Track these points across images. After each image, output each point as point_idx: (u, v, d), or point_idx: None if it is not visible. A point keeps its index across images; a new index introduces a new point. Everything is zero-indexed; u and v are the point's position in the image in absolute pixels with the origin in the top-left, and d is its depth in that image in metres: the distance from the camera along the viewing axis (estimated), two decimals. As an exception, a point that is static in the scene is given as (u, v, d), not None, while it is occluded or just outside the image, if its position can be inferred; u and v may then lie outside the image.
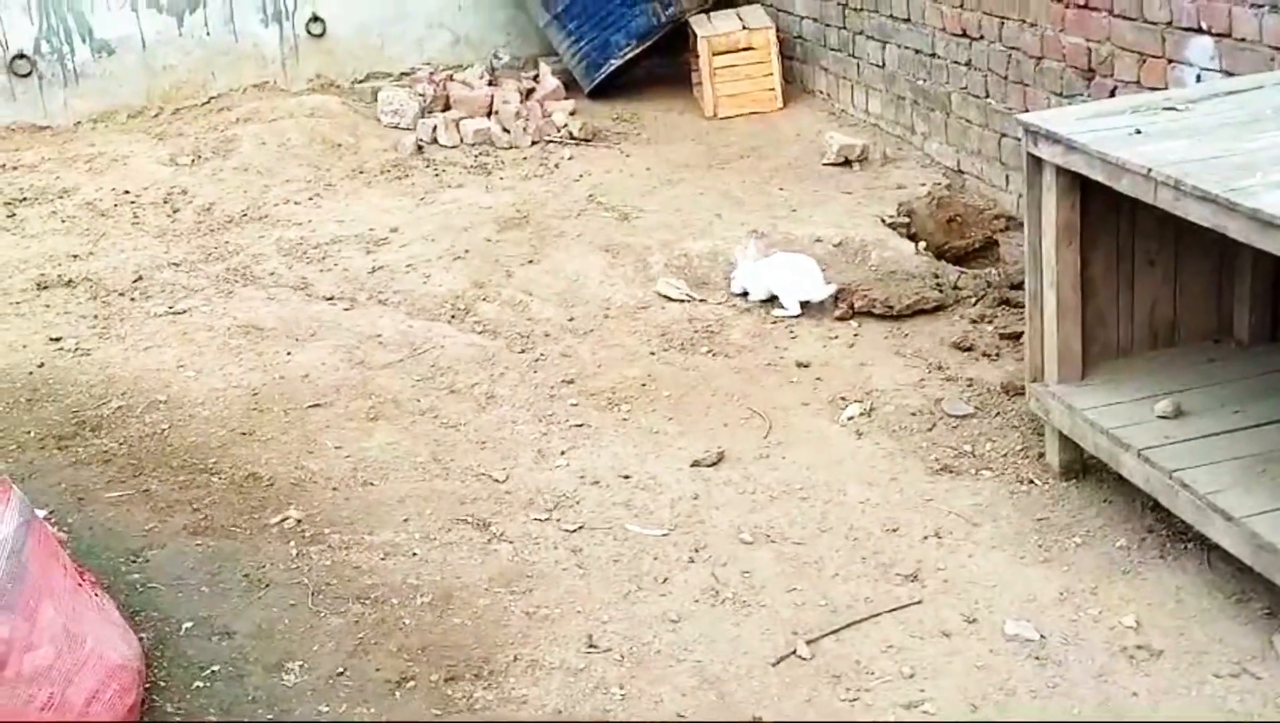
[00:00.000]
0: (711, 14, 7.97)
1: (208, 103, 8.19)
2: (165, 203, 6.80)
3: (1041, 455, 4.09)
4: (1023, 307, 4.97)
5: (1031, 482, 4.00)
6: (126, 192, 6.90)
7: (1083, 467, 3.99)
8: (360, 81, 8.47)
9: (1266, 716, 3.02)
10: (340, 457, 4.39)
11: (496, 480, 4.20)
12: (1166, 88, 4.75)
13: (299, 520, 4.01)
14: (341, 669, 3.34)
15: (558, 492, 4.11)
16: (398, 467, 4.31)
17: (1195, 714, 3.04)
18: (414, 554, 3.83)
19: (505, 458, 4.33)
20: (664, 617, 3.48)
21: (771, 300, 5.25)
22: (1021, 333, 4.81)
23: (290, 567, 3.79)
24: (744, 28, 7.74)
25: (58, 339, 5.31)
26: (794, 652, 3.32)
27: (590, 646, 3.39)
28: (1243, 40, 4.45)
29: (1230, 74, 4.48)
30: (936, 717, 3.09)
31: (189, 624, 3.51)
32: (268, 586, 3.70)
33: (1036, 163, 3.80)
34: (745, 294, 5.32)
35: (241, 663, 3.37)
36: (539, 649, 3.40)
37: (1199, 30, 4.65)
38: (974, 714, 3.09)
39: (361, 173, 7.14)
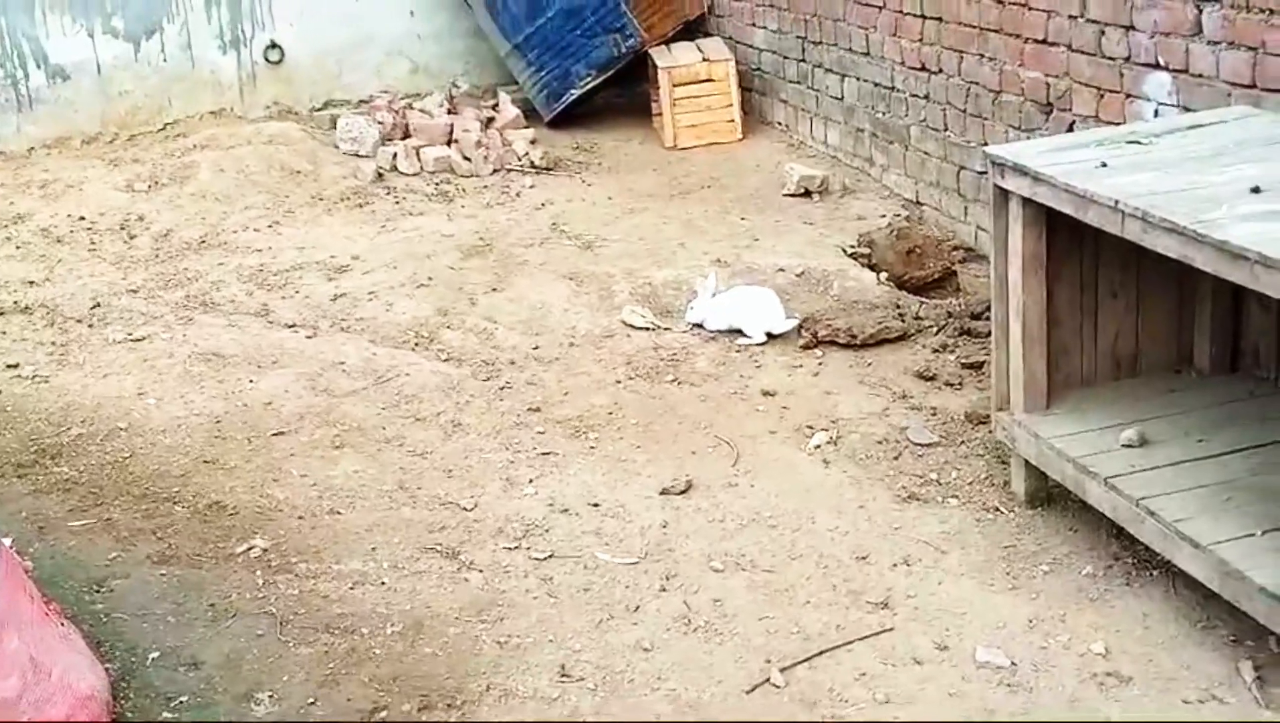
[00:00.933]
0: (671, 45, 8.03)
1: (164, 129, 8.13)
2: (122, 229, 6.75)
3: (1007, 484, 4.12)
4: (984, 337, 5.04)
5: (998, 510, 4.03)
6: (82, 218, 6.84)
7: (1048, 495, 4.03)
8: (318, 109, 8.44)
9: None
10: (306, 485, 4.35)
11: (465, 509, 4.18)
12: (1124, 122, 4.83)
13: (265, 549, 3.98)
14: (312, 700, 3.31)
15: (527, 520, 4.10)
16: (364, 495, 4.29)
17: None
18: (383, 583, 3.81)
19: (473, 486, 4.32)
20: (637, 645, 3.48)
21: (732, 331, 5.27)
22: (983, 362, 4.87)
23: (257, 596, 3.75)
24: (704, 59, 7.80)
25: (15, 366, 5.25)
26: (768, 680, 3.33)
27: (563, 675, 3.38)
28: (1200, 76, 4.53)
29: (1187, 109, 4.57)
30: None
31: (155, 654, 3.47)
32: (234, 615, 3.66)
33: (1003, 195, 3.85)
34: (700, 325, 5.33)
35: (210, 694, 3.33)
36: (511, 679, 3.38)
37: (1157, 66, 4.74)
38: (948, 741, 3.11)
39: (321, 200, 7.11)
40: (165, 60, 8.22)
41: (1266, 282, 2.94)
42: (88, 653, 3.25)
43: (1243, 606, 3.19)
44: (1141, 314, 4.13)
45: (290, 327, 5.58)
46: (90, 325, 5.63)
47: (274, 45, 8.40)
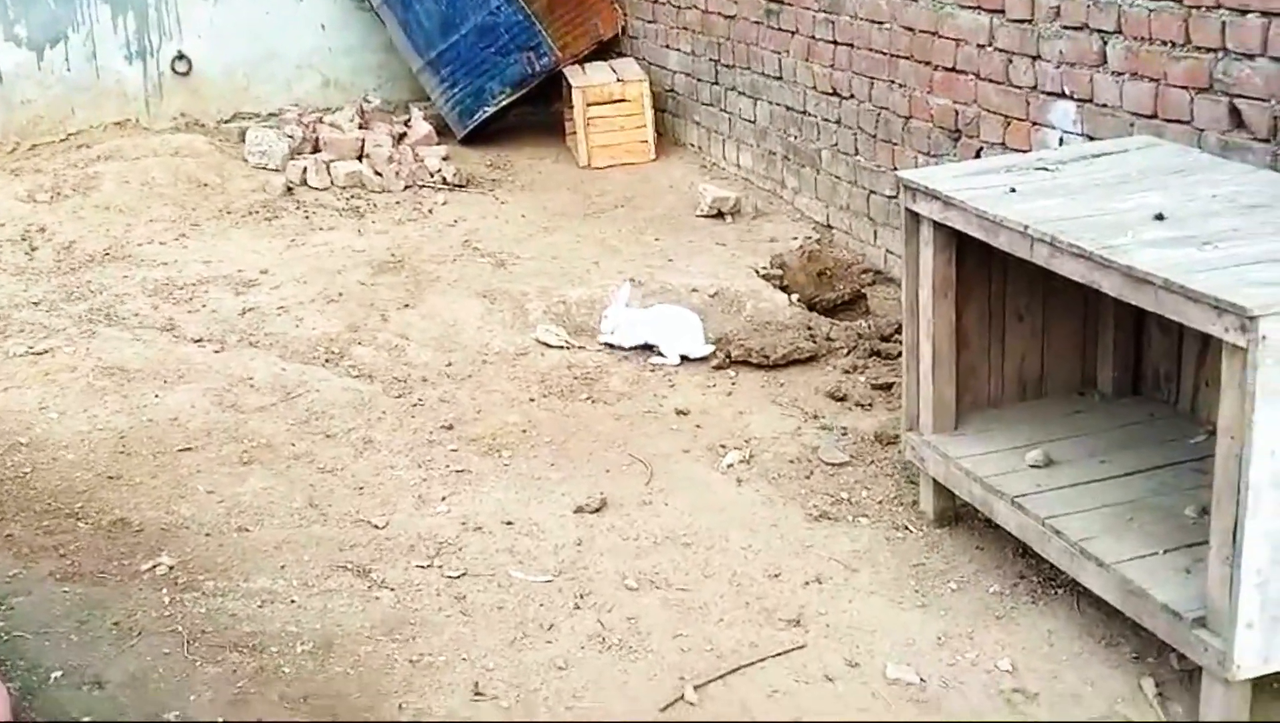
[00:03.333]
0: (586, 65, 8.06)
1: (67, 139, 7.99)
2: (23, 240, 6.61)
3: (915, 503, 4.18)
4: (893, 358, 5.12)
5: (907, 528, 4.09)
6: (-18, 228, 6.69)
7: (956, 514, 4.09)
8: (227, 121, 8.35)
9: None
10: (213, 502, 4.29)
11: (376, 527, 4.15)
12: (1031, 149, 4.94)
13: (171, 567, 3.91)
14: (220, 719, 3.25)
15: (439, 538, 4.07)
16: (273, 512, 4.23)
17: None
18: (292, 601, 3.76)
19: (384, 504, 4.28)
20: (551, 663, 3.47)
21: (646, 349, 5.29)
22: (893, 383, 4.94)
23: (163, 614, 3.68)
24: (618, 80, 7.83)
25: (-90, 378, 5.12)
26: (682, 697, 3.33)
27: (477, 693, 3.36)
28: (1104, 105, 4.65)
29: (1092, 137, 4.68)
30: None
31: (58, 673, 3.39)
32: (140, 634, 3.59)
33: (914, 218, 3.92)
34: (611, 342, 5.34)
35: (115, 714, 3.25)
36: (424, 698, 3.35)
37: (1062, 95, 4.85)
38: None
39: (229, 213, 7.02)
40: (69, 70, 8.08)
41: (1169, 306, 3.02)
42: (-13, 673, 3.17)
43: (1145, 623, 3.26)
44: (1047, 337, 4.22)
45: (197, 341, 5.49)
46: (-10, 338, 5.51)
47: (181, 56, 8.29)
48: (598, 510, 4.20)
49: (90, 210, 6.94)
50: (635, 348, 5.31)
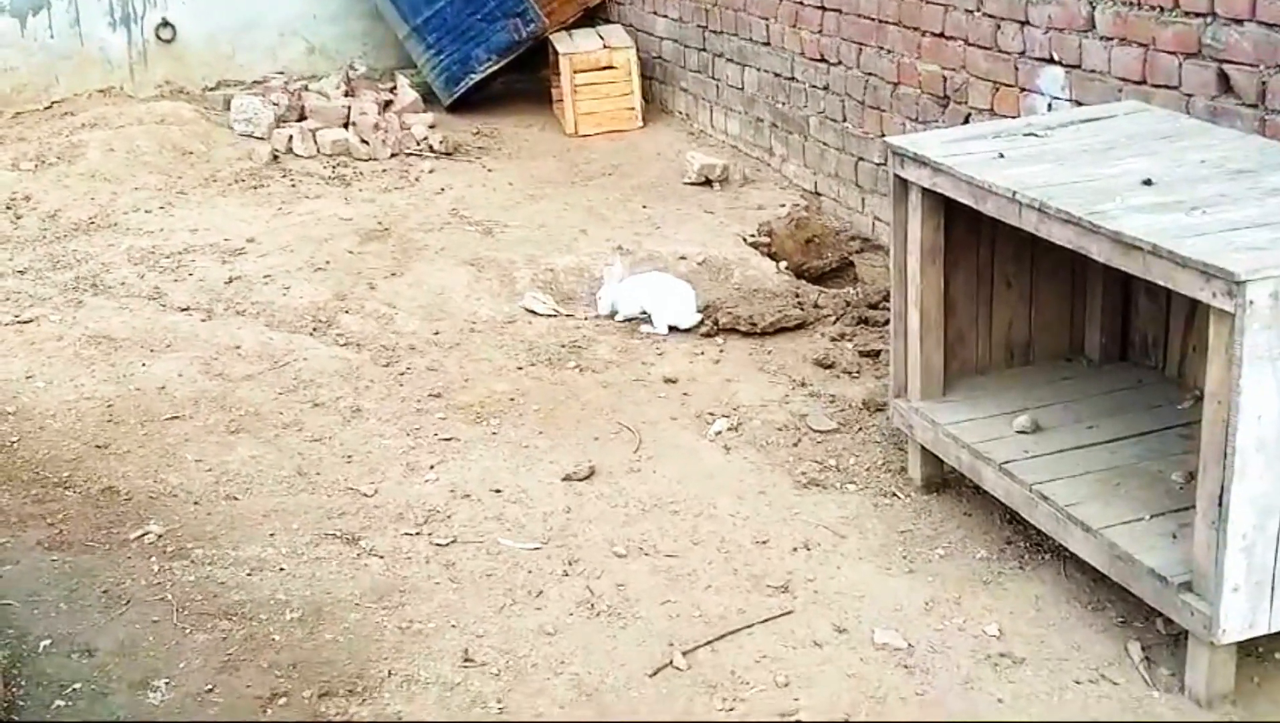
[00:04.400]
0: (572, 32, 8.02)
1: (51, 107, 7.95)
2: (8, 209, 6.57)
3: (903, 469, 4.19)
4: (881, 326, 5.12)
5: (895, 495, 4.10)
6: (-35, 196, 6.65)
7: (943, 480, 4.10)
8: (212, 89, 8.31)
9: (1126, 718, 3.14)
10: (201, 470, 4.28)
11: (365, 495, 4.14)
12: (1019, 115, 4.93)
13: (160, 535, 3.91)
14: (210, 687, 3.26)
15: (428, 506, 4.07)
16: (262, 481, 4.23)
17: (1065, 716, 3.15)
18: (281, 569, 3.76)
19: (373, 472, 4.28)
20: (540, 630, 3.48)
21: (641, 317, 5.28)
22: (880, 351, 4.94)
23: (152, 583, 3.68)
24: (605, 47, 7.80)
25: (-105, 348, 5.10)
26: (670, 663, 3.34)
27: (466, 660, 3.37)
28: (1092, 71, 4.64)
29: (1080, 103, 4.67)
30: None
31: (47, 642, 3.39)
32: (129, 602, 3.59)
33: (903, 185, 3.91)
34: (613, 314, 5.34)
35: (104, 682, 3.26)
36: (414, 664, 3.36)
37: (1050, 61, 4.84)
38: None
39: (215, 181, 6.99)
40: (52, 37, 8.03)
41: (1157, 271, 3.02)
42: (-24, 641, 3.17)
43: (1131, 588, 3.28)
44: (1035, 304, 4.23)
45: (183, 310, 5.48)
46: (-26, 307, 5.48)
47: (166, 23, 8.24)
48: (586, 478, 4.20)
49: (75, 178, 6.90)
50: (627, 319, 5.30)
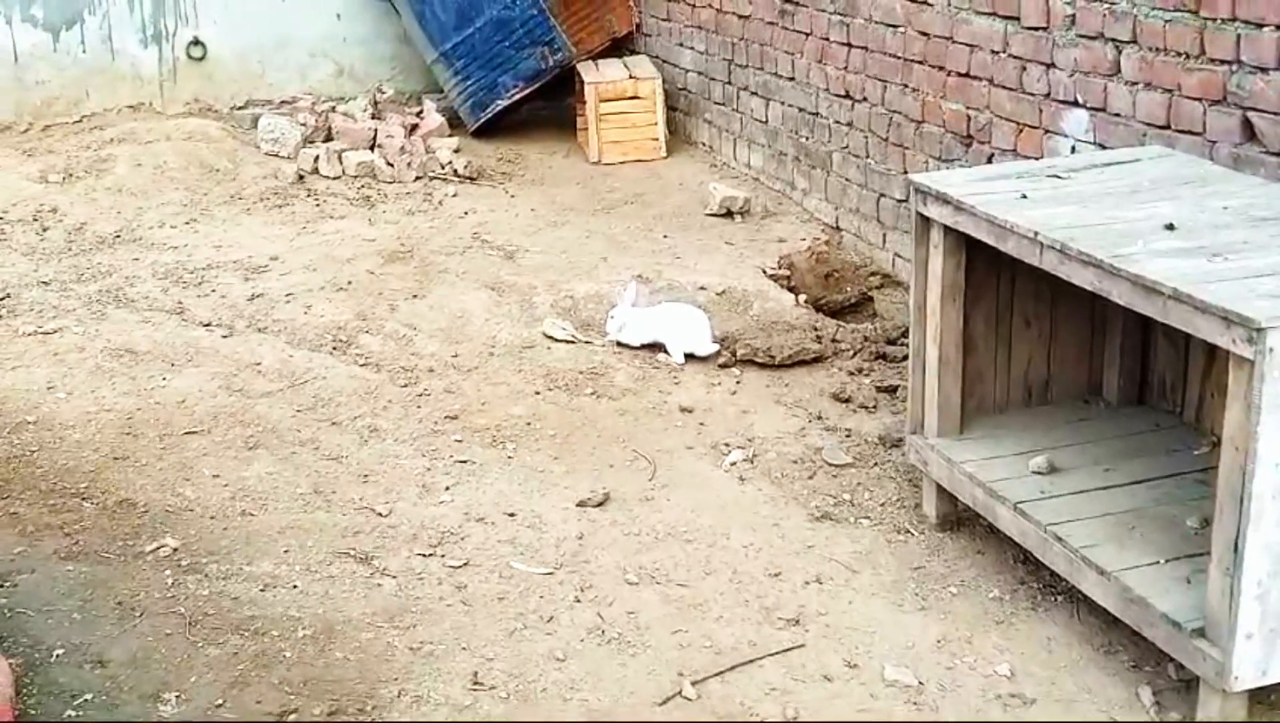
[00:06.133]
0: (599, 61, 8.07)
1: (80, 121, 8.01)
2: (35, 221, 6.62)
3: (918, 506, 4.19)
4: (899, 361, 5.13)
5: (909, 531, 4.10)
6: (-6, 207, 6.71)
7: (958, 518, 4.10)
8: (240, 108, 8.36)
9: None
10: (218, 485, 4.30)
11: (380, 514, 4.16)
12: (1042, 157, 4.94)
13: (175, 549, 3.93)
14: (220, 701, 3.27)
15: (442, 527, 4.08)
16: (278, 497, 4.25)
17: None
18: (295, 587, 3.77)
19: (388, 492, 4.30)
20: (550, 655, 3.48)
21: (653, 346, 5.29)
22: (897, 387, 4.95)
23: (166, 596, 3.70)
24: (631, 77, 7.84)
25: (-81, 355, 5.14)
26: (679, 692, 3.35)
27: (475, 682, 3.37)
28: (1117, 115, 4.65)
29: (1103, 146, 4.68)
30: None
31: (60, 652, 3.40)
32: (142, 614, 3.61)
33: (925, 222, 3.92)
34: (619, 340, 5.34)
35: (115, 693, 3.27)
36: (423, 685, 3.36)
37: (1075, 104, 4.85)
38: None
39: (240, 199, 7.04)
40: (85, 52, 8.11)
41: (1177, 316, 3.03)
42: (-10, 648, 3.19)
43: (1144, 632, 3.27)
44: (1054, 344, 4.23)
45: (205, 325, 5.51)
46: (-1, 316, 5.53)
47: (197, 41, 8.31)
48: (600, 505, 4.21)
49: (102, 192, 6.96)
50: (643, 347, 5.31)
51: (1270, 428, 2.84)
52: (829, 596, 3.77)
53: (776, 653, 3.50)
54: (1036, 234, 3.42)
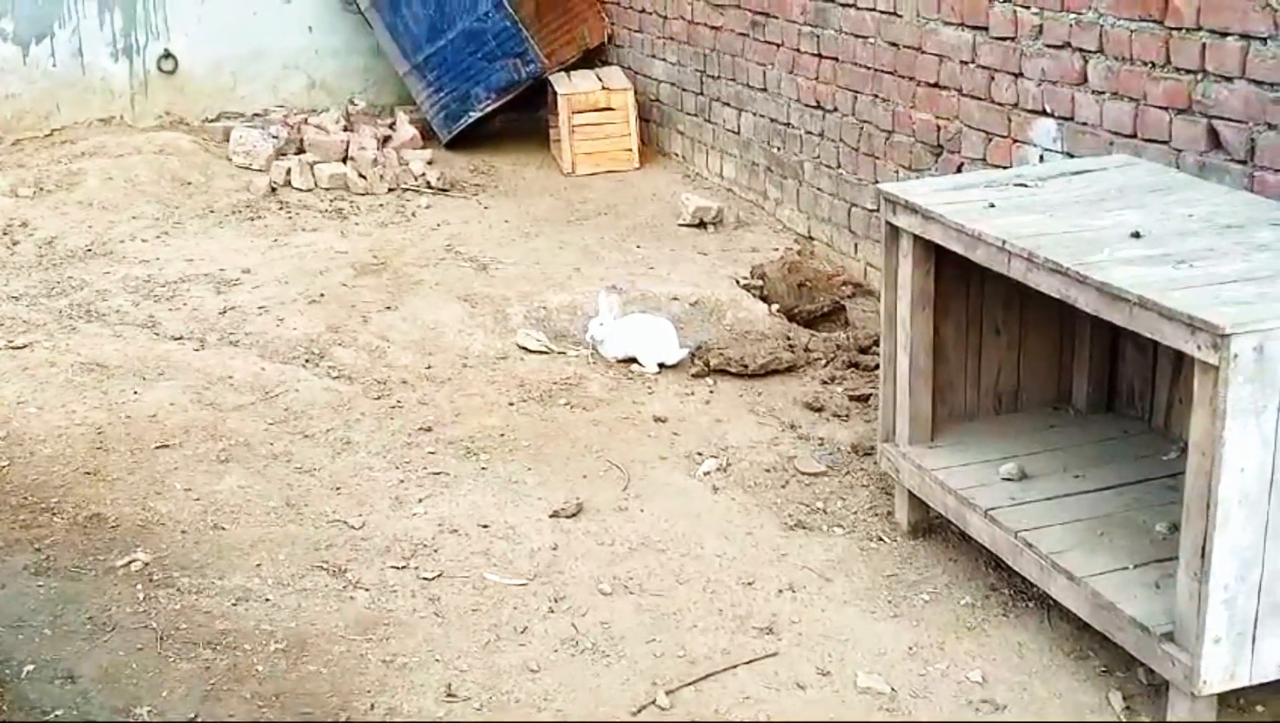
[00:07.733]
0: (571, 72, 8.08)
1: (51, 135, 7.99)
2: (4, 235, 6.60)
3: (890, 514, 4.21)
4: (871, 370, 5.15)
5: (881, 539, 4.11)
6: (-37, 221, 6.68)
7: (929, 525, 4.12)
8: (212, 120, 8.35)
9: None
10: (190, 499, 4.29)
11: (352, 527, 4.15)
12: (1011, 166, 4.98)
13: (146, 563, 3.91)
14: (193, 715, 3.26)
15: (415, 539, 4.08)
16: (250, 511, 4.24)
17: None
18: (267, 600, 3.76)
19: (361, 504, 4.29)
20: (524, 666, 3.48)
21: (628, 359, 5.30)
22: (869, 395, 4.97)
23: (137, 610, 3.68)
24: (603, 88, 7.86)
25: (-112, 370, 5.11)
26: (653, 702, 3.35)
27: (449, 694, 3.37)
28: (1084, 124, 4.69)
29: (1071, 155, 4.72)
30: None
31: (30, 667, 3.39)
32: (113, 629, 3.59)
33: (894, 231, 3.95)
34: (594, 350, 5.35)
35: (86, 708, 3.26)
36: (397, 698, 3.36)
37: (1043, 113, 4.89)
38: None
39: (212, 212, 7.02)
40: (55, 65, 8.08)
41: (1143, 323, 3.05)
42: (-41, 665, 3.17)
43: (1114, 637, 3.29)
44: (1023, 352, 4.26)
45: (177, 339, 5.49)
46: (-32, 331, 5.50)
47: (168, 55, 8.30)
48: (574, 515, 4.22)
49: (73, 206, 6.94)
50: (621, 361, 5.31)
51: (1235, 434, 2.86)
52: (802, 604, 3.78)
53: (750, 662, 3.51)
54: (1004, 243, 3.45)
